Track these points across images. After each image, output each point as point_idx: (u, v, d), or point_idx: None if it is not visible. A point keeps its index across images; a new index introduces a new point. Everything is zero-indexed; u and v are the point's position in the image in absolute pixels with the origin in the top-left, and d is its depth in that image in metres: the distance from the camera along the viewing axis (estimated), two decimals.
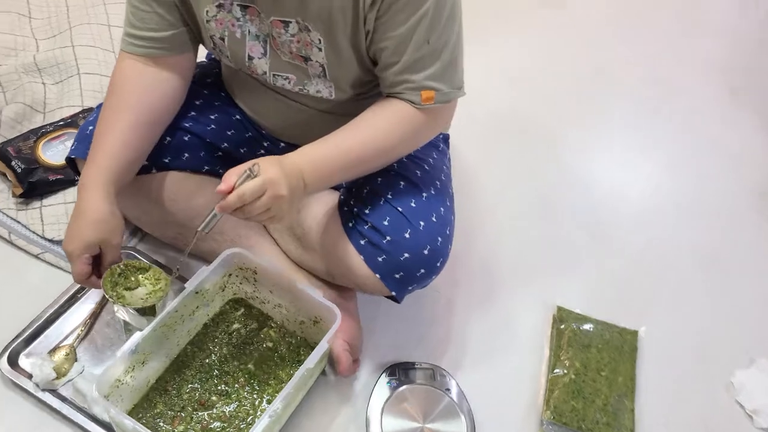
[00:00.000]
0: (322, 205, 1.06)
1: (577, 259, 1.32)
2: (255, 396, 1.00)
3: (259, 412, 0.98)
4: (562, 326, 1.19)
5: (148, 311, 1.02)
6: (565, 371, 1.12)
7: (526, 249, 1.32)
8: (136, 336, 0.91)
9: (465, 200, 1.37)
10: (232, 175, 0.83)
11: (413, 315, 1.17)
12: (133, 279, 0.95)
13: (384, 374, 1.08)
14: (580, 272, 1.30)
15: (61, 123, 1.27)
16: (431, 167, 1.07)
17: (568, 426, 1.07)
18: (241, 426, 0.97)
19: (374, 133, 0.92)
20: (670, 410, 1.12)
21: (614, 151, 1.56)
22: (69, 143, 1.24)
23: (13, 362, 1.02)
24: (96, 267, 0.94)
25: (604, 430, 1.06)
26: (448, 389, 1.06)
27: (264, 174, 0.83)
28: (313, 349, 1.03)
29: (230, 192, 0.82)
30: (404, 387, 1.06)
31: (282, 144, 1.13)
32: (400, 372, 1.08)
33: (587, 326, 1.19)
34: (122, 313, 1.00)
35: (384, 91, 0.95)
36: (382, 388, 1.06)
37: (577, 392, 1.10)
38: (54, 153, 1.23)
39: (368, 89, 1.00)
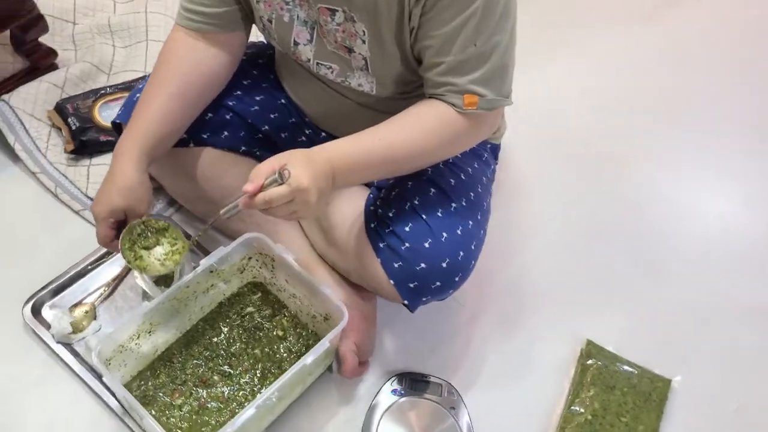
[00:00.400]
0: (352, 201, 1.04)
1: (619, 294, 1.24)
2: (256, 382, 1.00)
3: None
4: (589, 362, 1.12)
5: (164, 281, 1.03)
6: (582, 410, 1.06)
7: (564, 275, 1.25)
8: (145, 305, 0.92)
9: (508, 215, 1.32)
10: (261, 175, 0.79)
11: (432, 325, 1.14)
12: (152, 239, 0.96)
13: (390, 381, 1.05)
14: (619, 308, 1.22)
15: (121, 86, 1.31)
16: (468, 177, 1.03)
17: None
18: (237, 410, 0.96)
19: (411, 134, 0.89)
20: None
21: (682, 188, 1.43)
22: None
23: (36, 311, 1.06)
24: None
25: None
26: (453, 408, 1.02)
27: (294, 182, 0.78)
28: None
29: (257, 192, 0.79)
30: (408, 398, 1.03)
31: (323, 134, 1.11)
32: (407, 381, 1.05)
33: (616, 366, 1.12)
34: (140, 281, 1.01)
35: (427, 92, 0.91)
36: (386, 395, 1.03)
37: None
38: (109, 115, 1.26)
39: (412, 88, 0.97)
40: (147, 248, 0.95)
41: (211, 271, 0.99)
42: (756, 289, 1.27)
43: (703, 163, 1.48)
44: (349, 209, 1.03)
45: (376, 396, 1.03)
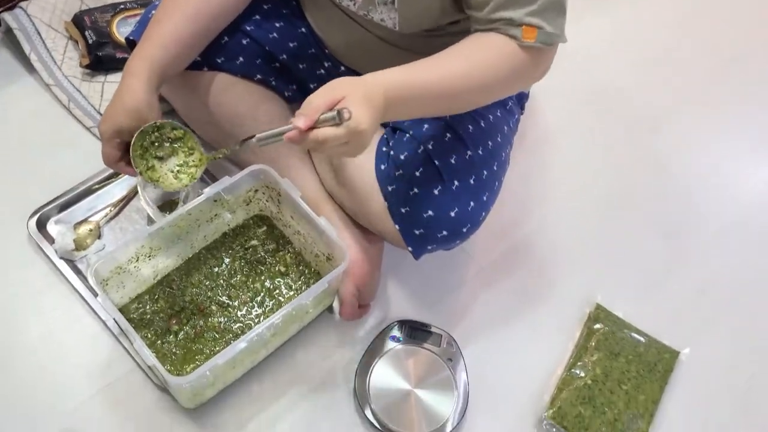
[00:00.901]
0: None
1: (636, 259, 1.19)
2: (253, 315, 0.99)
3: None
4: (596, 326, 1.09)
5: (168, 207, 1.01)
6: (583, 374, 1.03)
7: (581, 235, 1.20)
8: (145, 228, 0.90)
9: (530, 168, 1.26)
10: (316, 110, 0.71)
11: (439, 274, 1.11)
12: (168, 148, 0.90)
13: (390, 327, 1.03)
14: (634, 274, 1.17)
15: (141, 2, 1.27)
16: (488, 125, 0.98)
17: (568, 431, 0.99)
18: (232, 342, 0.96)
19: (469, 67, 0.81)
20: None
21: (717, 154, 1.35)
22: None
23: (42, 225, 1.05)
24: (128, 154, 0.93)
25: None
26: (451, 360, 1.01)
27: (354, 124, 0.70)
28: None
29: (309, 128, 0.71)
30: (406, 346, 1.01)
31: (342, 67, 1.07)
32: (407, 329, 1.03)
33: (623, 333, 1.08)
34: (145, 205, 1.00)
35: (478, 29, 0.84)
36: (384, 341, 1.01)
37: (589, 399, 1.01)
38: (127, 31, 1.22)
39: (438, 27, 0.91)
40: (161, 159, 0.90)
41: (216, 200, 0.97)
42: None
43: (743, 131, 1.39)
44: None
45: (374, 340, 1.02)
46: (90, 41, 1.19)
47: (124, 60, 1.18)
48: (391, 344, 1.01)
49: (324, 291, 0.91)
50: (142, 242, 0.91)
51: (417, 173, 0.90)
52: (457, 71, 0.80)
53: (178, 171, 0.91)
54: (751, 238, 1.24)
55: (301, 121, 0.71)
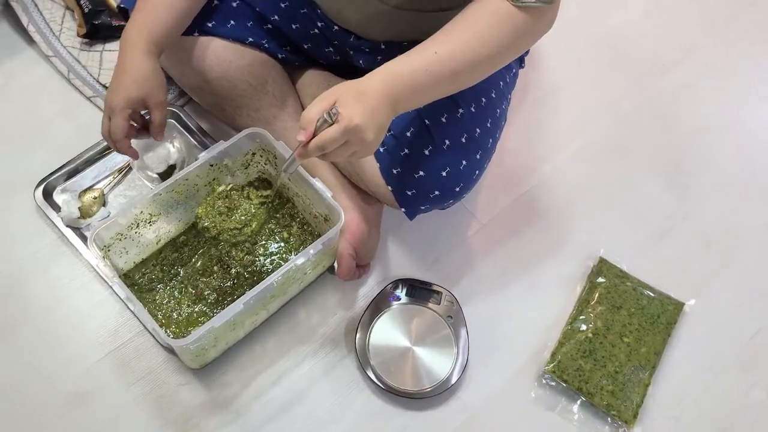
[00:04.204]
0: None
1: (640, 210, 1.17)
2: (254, 278, 1.00)
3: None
4: (599, 280, 1.08)
5: (167, 176, 1.03)
6: (584, 327, 1.04)
7: (584, 188, 1.19)
8: (141, 195, 0.92)
9: (532, 121, 1.25)
10: (311, 121, 0.74)
11: (439, 232, 1.11)
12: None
13: (390, 286, 1.04)
14: (638, 226, 1.16)
15: None
16: (482, 80, 0.96)
17: (568, 384, 1.00)
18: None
19: (468, 39, 0.79)
20: (690, 401, 1.01)
21: (723, 102, 1.31)
22: None
23: (48, 194, 1.07)
24: (143, 129, 0.95)
25: (607, 398, 0.99)
26: (451, 317, 1.02)
27: (345, 121, 0.72)
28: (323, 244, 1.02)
29: (310, 139, 0.74)
30: (406, 304, 1.02)
31: (336, 27, 1.05)
32: (406, 287, 1.04)
33: (626, 286, 1.08)
34: (141, 175, 1.01)
35: None
36: (384, 300, 1.03)
37: (589, 353, 1.02)
38: None
39: None
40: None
41: (212, 165, 0.97)
42: None
43: (750, 80, 1.35)
44: None
45: (374, 299, 1.03)
46: (86, 10, 1.19)
47: (120, 28, 1.19)
48: (391, 302, 1.02)
49: (321, 251, 0.92)
50: (140, 208, 0.93)
51: (408, 134, 0.90)
52: (459, 48, 0.78)
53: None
54: (757, 188, 1.21)
55: (301, 135, 0.73)
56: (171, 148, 1.11)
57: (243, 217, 0.96)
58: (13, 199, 1.08)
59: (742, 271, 1.13)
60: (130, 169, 1.11)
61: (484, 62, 0.81)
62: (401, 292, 1.03)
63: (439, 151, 0.89)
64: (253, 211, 0.96)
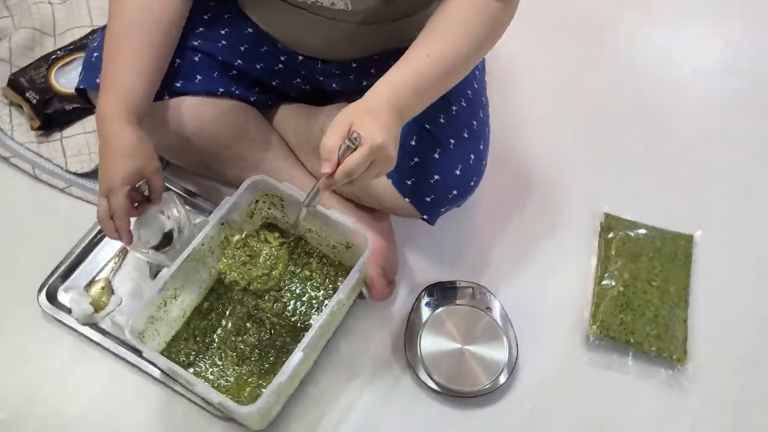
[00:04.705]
0: None
1: (626, 161, 1.22)
2: (290, 324, 0.99)
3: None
4: (610, 235, 1.12)
5: (163, 244, 1.00)
6: (613, 283, 1.07)
7: (568, 152, 1.22)
8: (164, 274, 0.89)
9: (497, 102, 1.26)
10: (333, 150, 0.73)
11: (450, 232, 1.12)
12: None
13: (422, 295, 1.04)
14: (628, 174, 1.20)
15: (72, 47, 1.21)
16: None
17: (616, 340, 1.02)
18: (276, 355, 0.96)
19: (454, 36, 0.81)
20: (726, 320, 1.06)
21: (673, 30, 1.38)
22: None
23: (51, 297, 1.02)
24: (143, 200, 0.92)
25: (655, 343, 1.02)
26: (489, 308, 1.03)
27: (368, 141, 0.72)
28: (348, 272, 1.01)
29: (335, 169, 0.73)
30: (443, 308, 1.02)
31: (300, 57, 1.04)
32: (438, 292, 1.04)
33: (638, 233, 1.12)
34: (140, 255, 0.98)
35: None
36: (421, 310, 1.03)
37: (626, 305, 1.05)
38: (68, 80, 1.17)
39: None
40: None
41: (222, 223, 0.95)
42: (758, 134, 1.26)
43: (698, 14, 1.42)
44: None
45: (411, 313, 1.03)
46: (34, 102, 1.14)
47: (74, 111, 1.16)
48: (428, 311, 1.02)
49: (357, 280, 0.91)
50: (165, 286, 0.89)
51: (412, 143, 0.90)
52: (447, 48, 0.80)
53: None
54: (721, 107, 1.28)
55: (326, 167, 0.72)
56: (162, 217, 1.07)
57: (268, 261, 0.93)
58: (18, 313, 1.02)
59: (734, 190, 1.19)
60: (128, 250, 1.07)
61: (471, 55, 0.83)
62: (434, 298, 1.04)
63: (447, 152, 0.90)
64: (276, 253, 0.94)
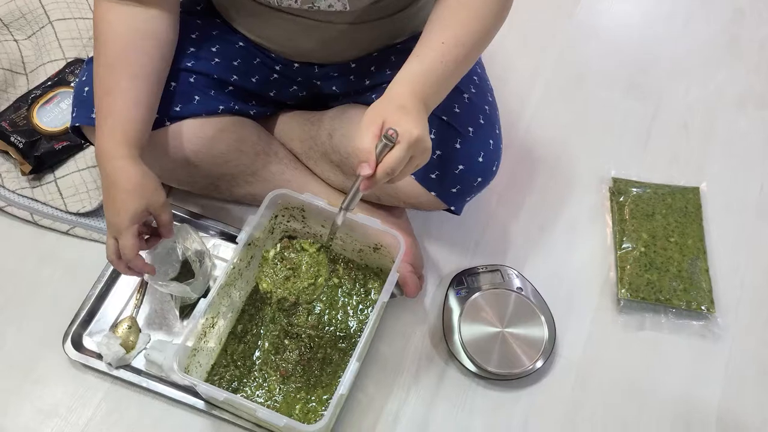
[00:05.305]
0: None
1: (620, 123, 1.25)
2: (328, 334, 0.97)
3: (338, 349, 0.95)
4: (622, 198, 1.14)
5: (184, 276, 0.97)
6: (634, 245, 1.09)
7: (566, 125, 1.24)
8: (203, 304, 0.86)
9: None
10: (370, 151, 0.70)
11: (465, 219, 1.12)
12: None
13: (451, 286, 1.04)
14: (626, 137, 1.23)
15: (49, 83, 1.16)
16: None
17: (646, 300, 1.04)
18: (321, 368, 0.95)
19: (466, 20, 0.80)
20: (744, 264, 1.09)
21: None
22: (64, 104, 1.14)
23: (77, 345, 0.98)
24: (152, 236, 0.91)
25: (683, 296, 1.04)
26: (520, 288, 1.03)
27: (406, 137, 0.70)
28: (376, 274, 1.00)
29: (375, 169, 0.71)
30: (475, 295, 1.02)
31: (296, 64, 1.02)
32: (467, 280, 1.04)
33: (647, 193, 1.14)
34: (162, 288, 0.95)
35: None
36: (453, 300, 1.03)
37: (649, 264, 1.07)
38: (51, 118, 1.13)
39: None
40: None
41: (250, 244, 0.93)
42: (738, 78, 1.30)
43: None
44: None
45: (444, 305, 1.03)
46: (20, 146, 1.09)
47: (64, 149, 1.12)
48: (460, 299, 1.02)
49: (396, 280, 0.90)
50: (205, 316, 0.87)
51: (432, 136, 0.89)
52: (461, 32, 0.79)
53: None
54: (703, 62, 1.32)
55: (365, 169, 0.70)
56: (178, 248, 1.05)
57: (311, 270, 0.89)
58: (46, 368, 0.98)
59: (729, 141, 1.22)
60: (148, 284, 1.04)
61: (483, 37, 0.83)
62: (464, 286, 1.04)
63: (468, 140, 0.89)
64: (317, 259, 0.90)
